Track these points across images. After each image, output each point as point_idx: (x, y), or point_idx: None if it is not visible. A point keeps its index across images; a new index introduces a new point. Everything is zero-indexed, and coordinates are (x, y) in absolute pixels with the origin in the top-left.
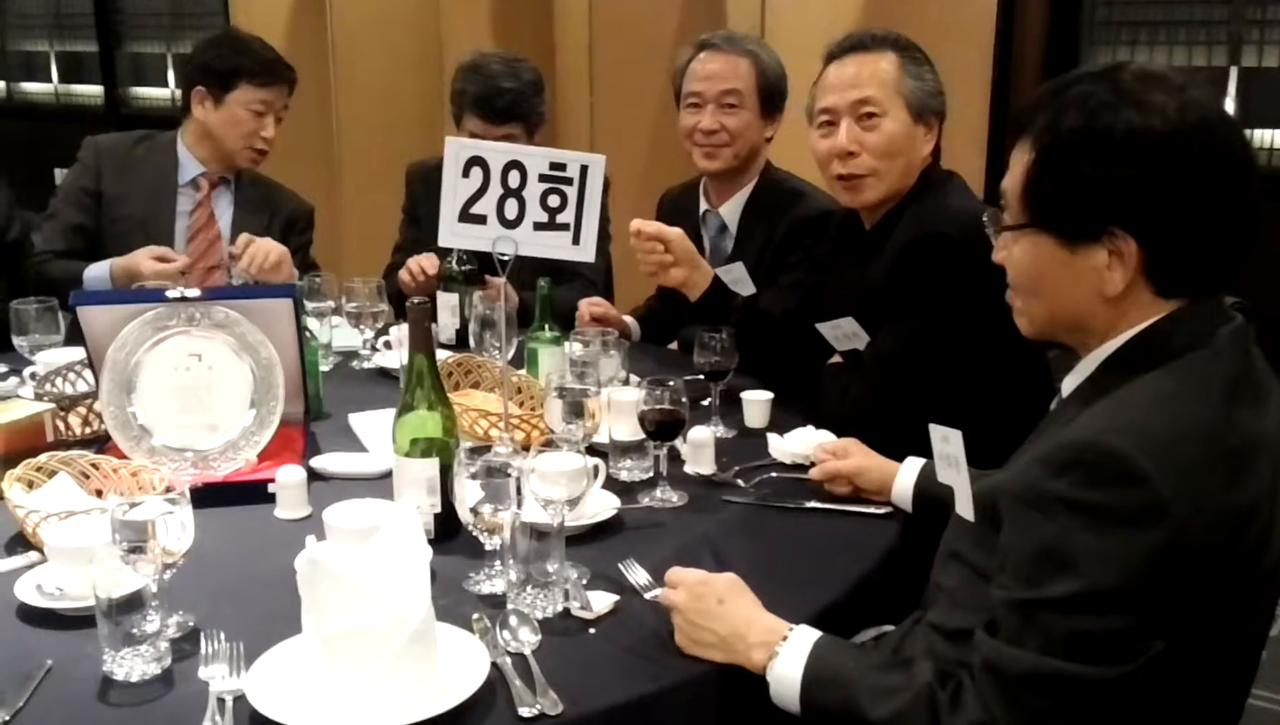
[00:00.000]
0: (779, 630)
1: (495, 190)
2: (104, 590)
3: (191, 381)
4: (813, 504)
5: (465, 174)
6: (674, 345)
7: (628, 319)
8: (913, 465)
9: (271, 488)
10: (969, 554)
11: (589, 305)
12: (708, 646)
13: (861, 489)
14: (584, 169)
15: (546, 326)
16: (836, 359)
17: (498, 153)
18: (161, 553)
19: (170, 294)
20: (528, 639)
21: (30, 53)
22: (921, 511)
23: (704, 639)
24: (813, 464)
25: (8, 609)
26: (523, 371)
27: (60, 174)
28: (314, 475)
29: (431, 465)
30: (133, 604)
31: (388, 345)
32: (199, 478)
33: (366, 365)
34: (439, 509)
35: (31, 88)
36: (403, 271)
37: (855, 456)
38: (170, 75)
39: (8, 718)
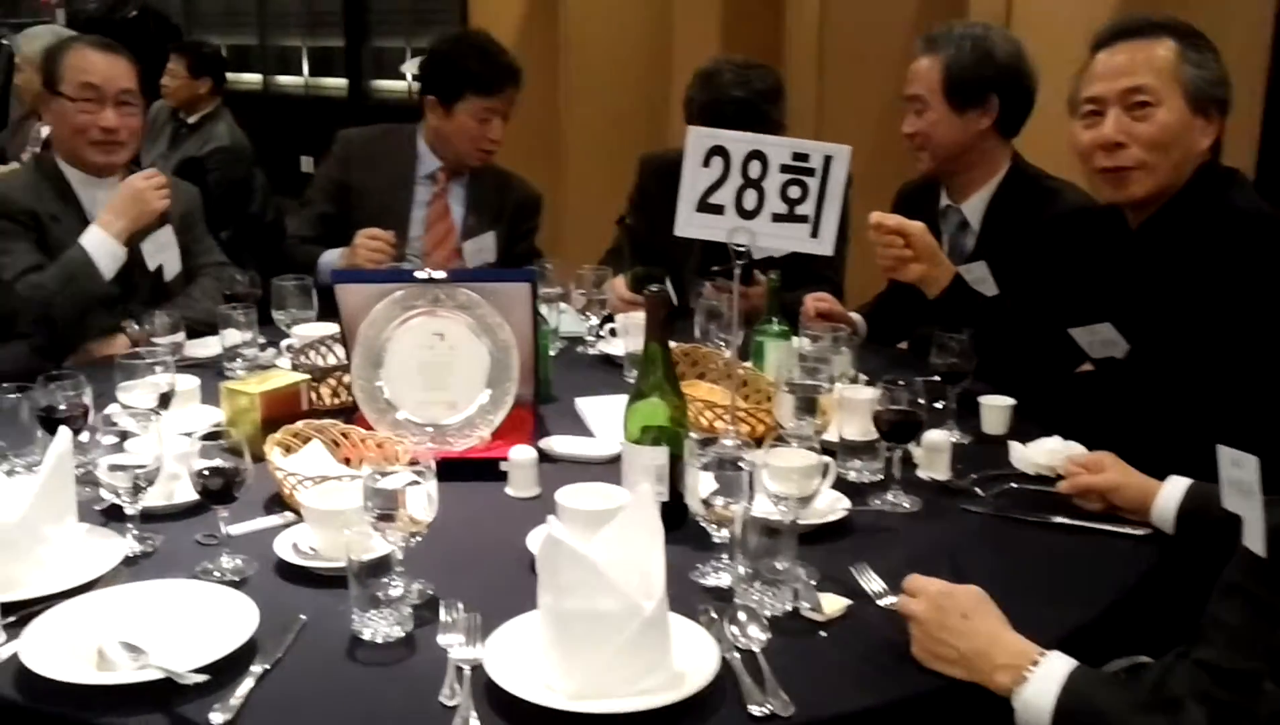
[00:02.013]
0: (1028, 654)
1: (735, 180)
2: (355, 553)
3: (434, 359)
4: (1060, 519)
5: (705, 163)
6: (903, 345)
7: (854, 316)
8: (1177, 485)
9: (504, 466)
10: (1257, 591)
11: (814, 300)
12: (948, 662)
13: (1116, 507)
14: (827, 160)
15: (775, 320)
16: (1087, 367)
17: (740, 142)
18: (409, 521)
19: (418, 275)
20: (757, 636)
21: (285, 47)
22: (1186, 535)
23: (944, 653)
24: (1059, 477)
25: (266, 564)
26: (748, 364)
27: (306, 161)
28: (543, 456)
29: (661, 453)
30: (380, 568)
31: (613, 332)
32: (437, 452)
33: (590, 351)
34: (666, 497)
35: (285, 80)
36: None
37: (1111, 472)
38: (407, 67)
39: (269, 667)
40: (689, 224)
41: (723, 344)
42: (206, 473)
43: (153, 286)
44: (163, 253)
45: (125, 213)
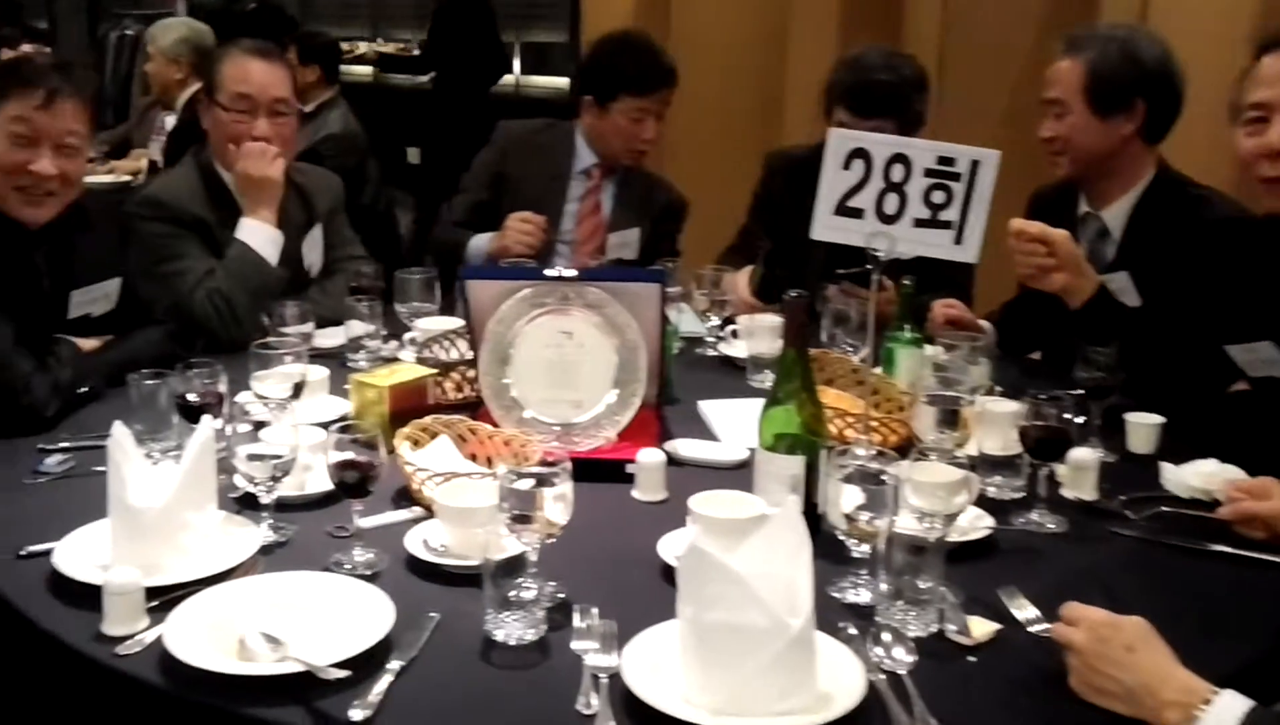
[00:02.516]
0: (1199, 692)
1: (876, 184)
2: (491, 553)
3: (561, 358)
4: (1220, 548)
5: (845, 166)
6: (1035, 355)
7: (984, 324)
8: None
9: (630, 468)
10: None
11: (943, 306)
12: (1109, 695)
13: None
14: (974, 165)
15: (907, 327)
16: (1241, 385)
17: (882, 145)
18: (545, 523)
19: (548, 273)
20: (902, 658)
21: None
22: None
23: (1106, 686)
24: (1217, 502)
25: (397, 560)
26: (877, 371)
27: (413, 153)
28: (668, 459)
29: (796, 463)
30: (514, 569)
31: (734, 334)
32: (562, 451)
33: (711, 352)
34: (800, 508)
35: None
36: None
37: (1278, 499)
38: (516, 62)
39: (405, 664)
40: (826, 228)
41: (851, 350)
42: (343, 466)
43: (302, 284)
44: (314, 252)
45: (258, 197)
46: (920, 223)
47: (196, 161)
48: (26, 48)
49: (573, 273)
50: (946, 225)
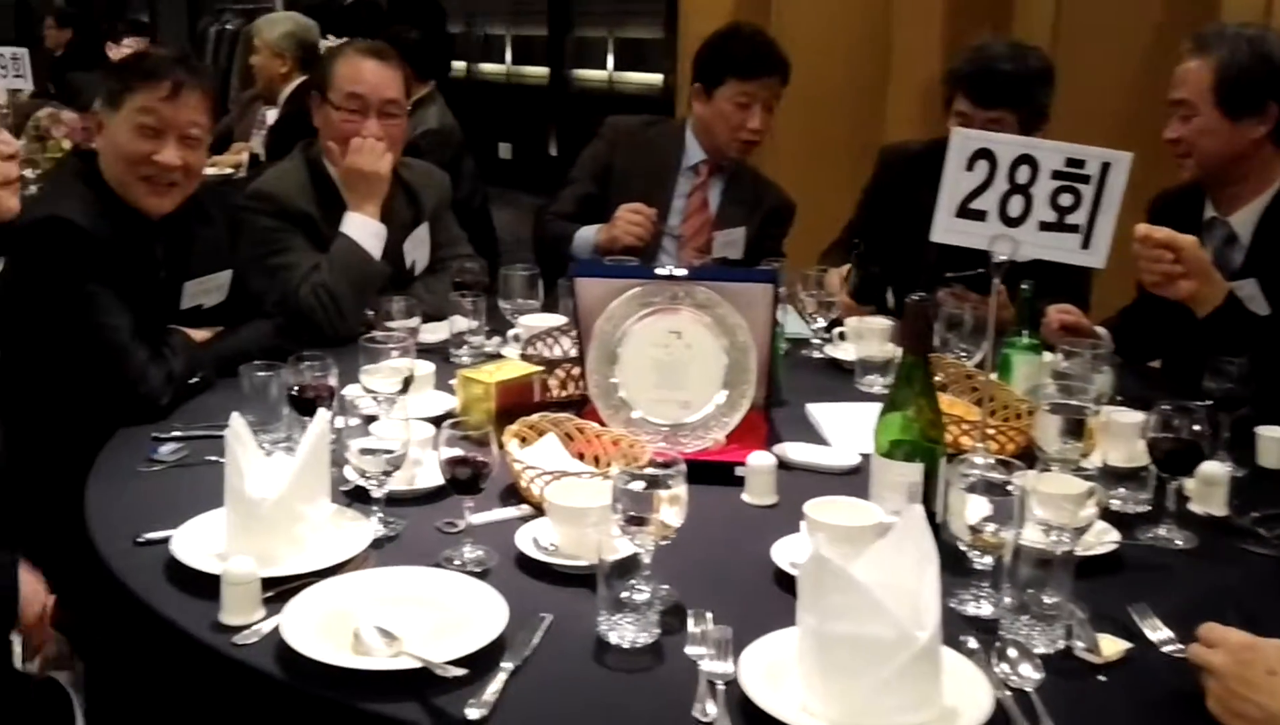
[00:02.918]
0: None
1: (1000, 185)
2: (605, 554)
3: (669, 358)
4: None
5: (969, 167)
6: (1155, 363)
7: (1100, 330)
8: None
9: (739, 471)
10: None
11: (1058, 312)
12: (1249, 720)
13: None
14: (1105, 167)
15: (1025, 333)
16: None
17: (1008, 145)
18: (660, 526)
19: (658, 272)
20: (1029, 675)
21: (490, 36)
22: None
23: (1247, 711)
24: None
25: (507, 557)
26: (992, 377)
27: (504, 148)
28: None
29: (914, 470)
30: (627, 571)
31: (842, 336)
32: (669, 452)
33: (816, 355)
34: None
35: (487, 68)
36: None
37: None
38: (610, 59)
39: (518, 664)
40: (947, 230)
41: (964, 355)
42: (456, 462)
43: (403, 280)
44: (418, 250)
45: (365, 191)
46: (1046, 226)
47: (305, 156)
48: (130, 42)
49: (683, 272)
50: (1074, 229)
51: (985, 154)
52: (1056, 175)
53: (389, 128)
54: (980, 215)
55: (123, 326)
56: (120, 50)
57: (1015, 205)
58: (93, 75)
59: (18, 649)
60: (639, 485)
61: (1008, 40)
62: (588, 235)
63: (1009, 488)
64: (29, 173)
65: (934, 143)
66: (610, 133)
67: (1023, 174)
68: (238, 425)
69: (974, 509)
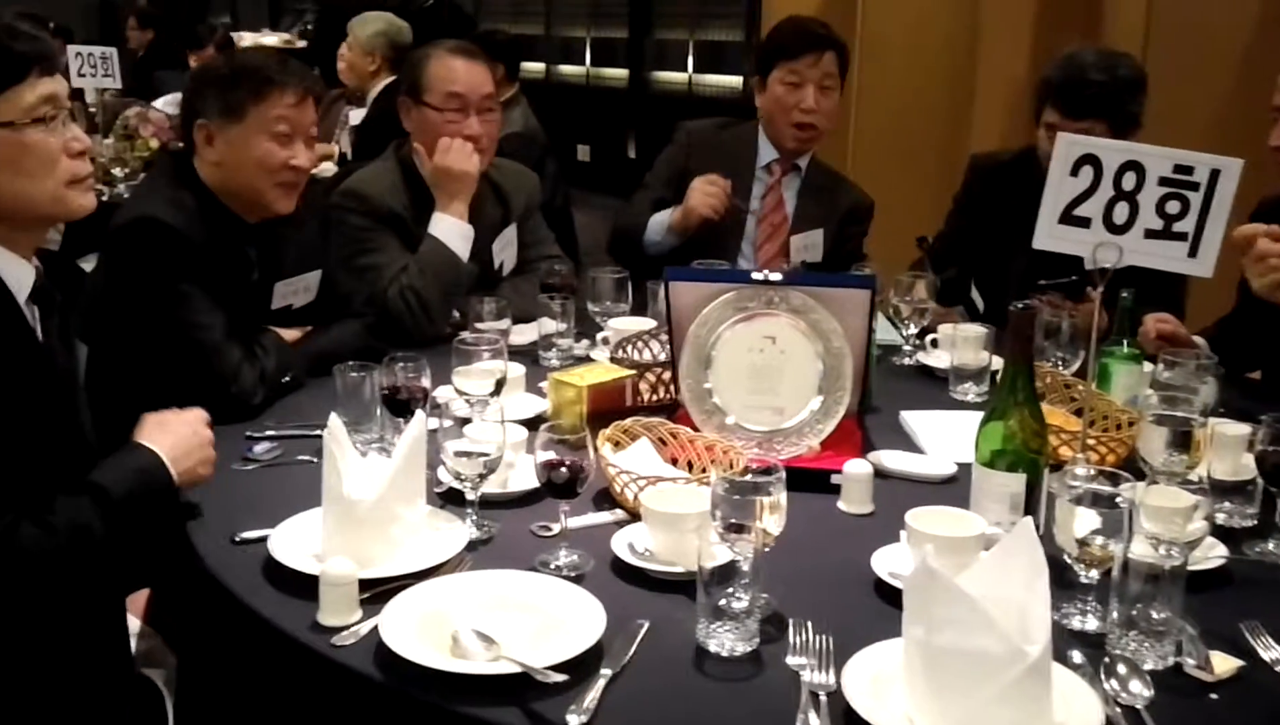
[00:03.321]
0: None
1: (1105, 192)
2: (704, 561)
3: (764, 363)
4: None
5: (1073, 172)
6: (1255, 374)
7: (1197, 339)
8: None
9: (834, 478)
10: None
11: (1156, 321)
12: None
13: None
14: (1214, 174)
15: (1125, 342)
16: None
17: (1114, 151)
18: (761, 533)
19: (754, 276)
20: (1140, 692)
21: (569, 38)
22: None
23: None
24: None
25: (602, 562)
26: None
27: (583, 150)
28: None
29: (1017, 480)
30: (727, 578)
31: (934, 343)
32: (762, 458)
33: (907, 361)
34: (1035, 530)
35: (567, 69)
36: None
37: None
38: (690, 61)
39: (617, 671)
40: (1050, 237)
41: (1060, 363)
42: (552, 466)
43: (490, 281)
44: (506, 251)
45: (453, 191)
46: (1151, 234)
47: (397, 157)
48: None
49: (778, 276)
50: (1181, 237)
51: (1090, 160)
52: (1164, 182)
53: (487, 125)
54: (1084, 222)
55: (216, 326)
56: (202, 57)
57: (1120, 212)
58: (176, 74)
59: (135, 628)
60: (741, 492)
61: (1097, 48)
62: (661, 219)
63: (1117, 500)
64: (117, 171)
65: (1024, 151)
66: (684, 137)
67: (1128, 180)
68: (335, 426)
69: (1084, 522)
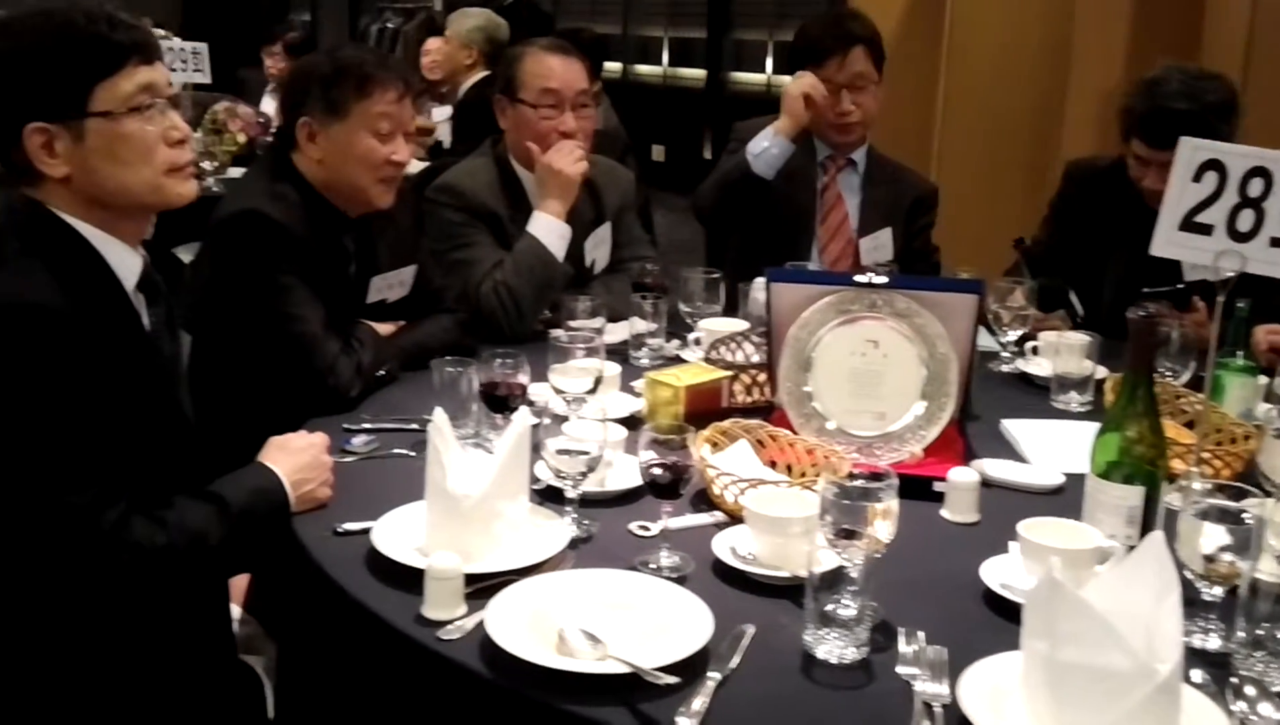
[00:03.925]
0: None
1: (1230, 198)
2: (812, 566)
3: (865, 367)
4: None
5: (1196, 178)
6: None
7: None
8: None
9: (938, 486)
10: None
11: (1267, 332)
12: None
13: None
14: None
15: (1240, 353)
16: None
17: (1241, 157)
18: (872, 540)
19: (857, 278)
20: (1270, 714)
21: (646, 38)
22: None
23: None
24: None
25: (703, 564)
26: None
27: (658, 151)
28: None
29: (1134, 493)
30: (836, 584)
31: (1034, 351)
32: (864, 464)
33: (1005, 368)
34: (1136, 542)
35: (643, 69)
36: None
37: None
38: (769, 61)
39: (725, 675)
40: (1170, 243)
41: (1170, 374)
42: (656, 466)
43: (581, 280)
44: (598, 249)
45: (556, 192)
46: (1278, 242)
47: (493, 154)
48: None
49: (883, 279)
50: None
51: (1214, 165)
52: None
53: (582, 121)
54: (1206, 229)
55: (315, 319)
56: (273, 54)
57: (1245, 219)
58: (258, 72)
59: (235, 615)
60: (850, 497)
61: (1183, 69)
62: (763, 140)
63: (1244, 516)
64: (206, 165)
65: (1122, 159)
66: (744, 134)
67: (1255, 187)
68: (440, 420)
69: (1211, 538)
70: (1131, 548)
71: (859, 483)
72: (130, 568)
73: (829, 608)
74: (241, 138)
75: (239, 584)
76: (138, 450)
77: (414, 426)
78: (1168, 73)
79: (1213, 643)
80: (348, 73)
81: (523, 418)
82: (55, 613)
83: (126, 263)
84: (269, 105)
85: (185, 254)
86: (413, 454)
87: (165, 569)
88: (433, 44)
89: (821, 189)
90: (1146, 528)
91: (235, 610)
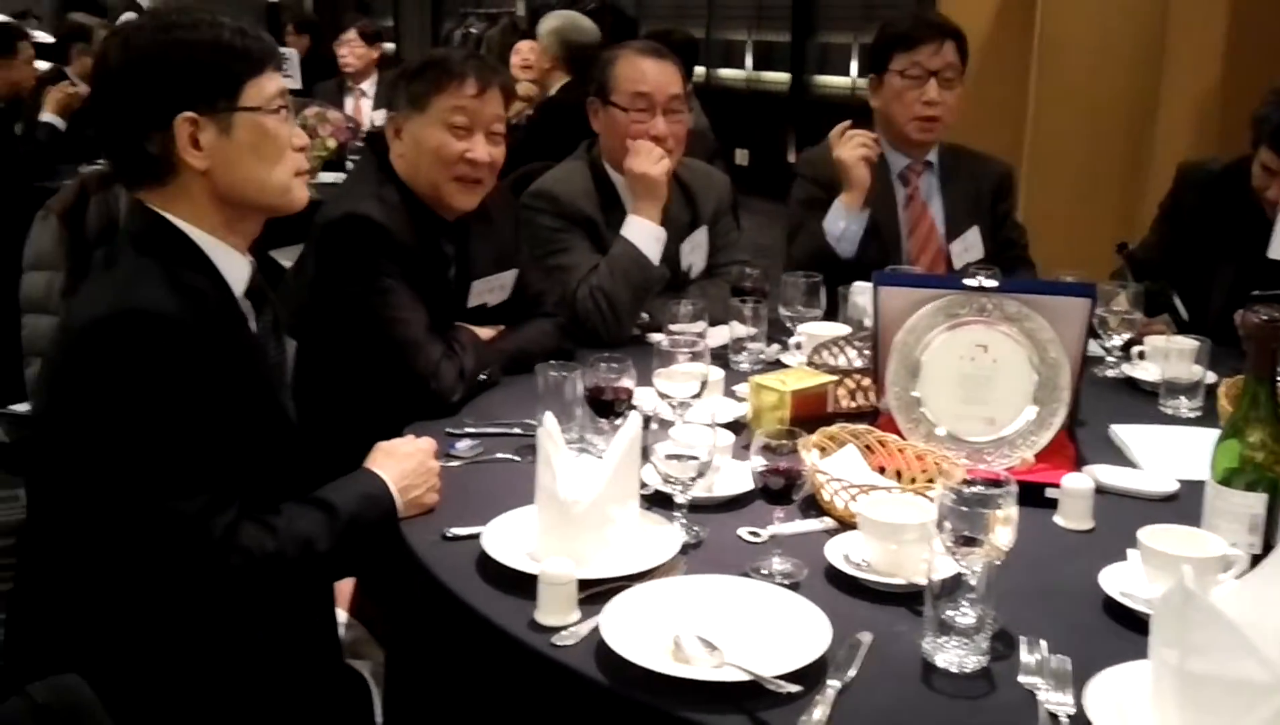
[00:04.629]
0: None
1: None
2: (932, 573)
3: (975, 372)
4: None
5: None
6: None
7: None
8: None
9: (1050, 492)
10: None
11: None
12: None
13: None
14: None
15: None
16: None
17: None
18: (993, 548)
19: (967, 282)
20: None
21: (729, 41)
22: None
23: None
24: None
25: (815, 570)
26: None
27: (741, 155)
28: None
29: (1257, 501)
30: (954, 592)
31: (1141, 356)
32: (981, 470)
33: (1110, 373)
34: (1259, 550)
35: (726, 73)
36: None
37: None
38: (854, 64)
39: (845, 683)
40: None
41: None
42: (769, 472)
43: (677, 284)
44: (694, 253)
45: (645, 194)
46: None
47: (588, 158)
48: (351, 36)
49: (993, 283)
50: None
51: None
52: None
53: (673, 125)
54: None
55: (417, 322)
56: (348, 42)
57: None
58: (328, 84)
59: (342, 622)
60: (969, 504)
61: None
62: (839, 221)
63: None
64: None
65: (1236, 163)
66: (807, 170)
67: None
68: (550, 425)
69: None
70: (1255, 556)
71: (977, 489)
72: (240, 574)
73: (948, 615)
74: (332, 143)
75: (344, 589)
76: (245, 457)
77: (517, 431)
78: None
79: None
80: (429, 67)
81: (634, 422)
82: (166, 618)
83: (236, 269)
84: (349, 105)
85: (283, 258)
86: (517, 459)
87: (275, 575)
88: (523, 45)
89: (905, 202)
90: (1269, 535)
91: (341, 615)
